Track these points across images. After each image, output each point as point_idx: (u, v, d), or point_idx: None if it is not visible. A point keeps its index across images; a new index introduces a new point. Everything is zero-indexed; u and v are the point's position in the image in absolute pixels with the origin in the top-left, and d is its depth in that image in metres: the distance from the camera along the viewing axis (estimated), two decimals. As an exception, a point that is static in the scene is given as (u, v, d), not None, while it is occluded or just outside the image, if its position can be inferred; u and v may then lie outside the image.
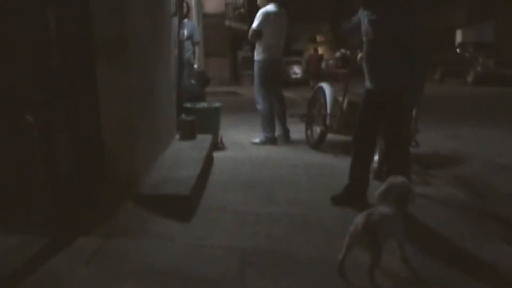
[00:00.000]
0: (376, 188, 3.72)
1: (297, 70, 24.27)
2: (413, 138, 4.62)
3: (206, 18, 18.63)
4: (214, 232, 3.30)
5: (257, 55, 6.45)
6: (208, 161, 4.96)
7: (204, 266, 2.77)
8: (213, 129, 6.03)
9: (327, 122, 5.81)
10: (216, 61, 21.48)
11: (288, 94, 9.47)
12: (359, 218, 2.61)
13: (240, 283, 2.60)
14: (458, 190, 4.34)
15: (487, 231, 3.40)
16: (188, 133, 5.45)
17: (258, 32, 6.30)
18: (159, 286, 2.54)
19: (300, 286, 2.58)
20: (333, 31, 35.16)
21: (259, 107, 6.51)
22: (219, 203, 3.90)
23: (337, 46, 23.71)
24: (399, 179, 2.89)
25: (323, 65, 21.90)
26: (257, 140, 6.54)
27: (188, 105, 6.18)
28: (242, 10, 25.44)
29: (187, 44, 8.06)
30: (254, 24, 6.32)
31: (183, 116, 5.75)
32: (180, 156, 4.66)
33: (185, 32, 7.68)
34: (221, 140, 6.26)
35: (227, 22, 23.99)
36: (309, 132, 6.47)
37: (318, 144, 6.08)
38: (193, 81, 7.54)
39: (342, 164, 4.86)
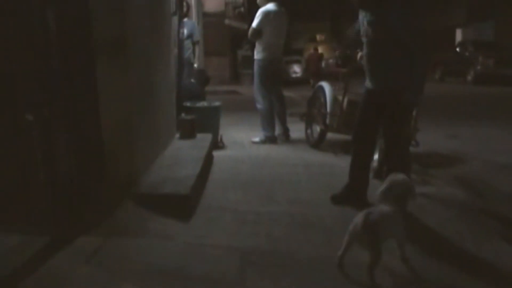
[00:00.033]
0: (376, 187, 3.72)
1: (297, 69, 24.27)
2: (413, 137, 4.62)
3: (206, 17, 18.61)
4: (214, 231, 3.30)
5: (257, 54, 6.45)
6: (208, 160, 4.96)
7: (204, 265, 2.77)
8: (213, 128, 6.03)
9: (327, 121, 5.81)
10: (216, 60, 21.49)
11: (288, 93, 9.48)
12: (359, 217, 2.61)
13: (240, 282, 2.61)
14: (458, 189, 4.34)
15: (487, 230, 3.41)
16: (188, 132, 5.45)
17: (258, 31, 6.30)
18: (159, 286, 2.54)
19: (300, 286, 2.58)
20: (333, 30, 35.18)
21: (259, 106, 6.51)
22: (219, 202, 3.90)
23: (337, 45, 23.74)
24: (400, 176, 2.90)
25: (323, 64, 21.91)
26: (257, 139, 6.54)
27: (188, 104, 6.18)
28: (242, 9, 25.42)
29: (187, 43, 8.06)
30: (254, 23, 6.32)
31: (183, 115, 5.75)
32: (180, 155, 4.67)
33: (185, 31, 7.67)
34: (221, 139, 6.26)
35: (227, 21, 23.99)
36: (309, 131, 6.47)
37: (318, 143, 6.08)
38: (192, 80, 7.53)
39: (342, 163, 4.86)
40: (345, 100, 5.65)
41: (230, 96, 15.00)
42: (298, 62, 24.66)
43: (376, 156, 4.40)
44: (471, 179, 4.71)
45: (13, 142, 3.07)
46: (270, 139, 6.47)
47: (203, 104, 6.46)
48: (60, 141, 3.11)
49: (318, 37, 37.25)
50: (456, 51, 20.36)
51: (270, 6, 6.33)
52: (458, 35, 26.45)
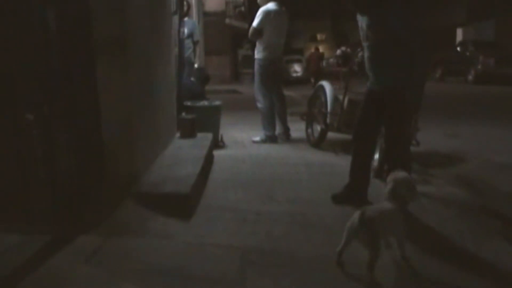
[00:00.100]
0: (376, 187, 3.73)
1: (297, 69, 24.30)
2: (414, 137, 4.62)
3: (206, 17, 18.65)
4: (214, 230, 3.30)
5: (258, 54, 6.45)
6: (209, 160, 4.96)
7: (204, 265, 2.77)
8: (214, 128, 6.03)
9: (328, 120, 5.81)
10: (217, 60, 21.52)
11: (288, 92, 9.47)
12: (356, 214, 2.62)
13: (240, 282, 2.60)
14: (458, 189, 4.34)
15: (487, 229, 3.41)
16: (188, 132, 5.45)
17: (259, 30, 6.30)
18: (159, 285, 2.54)
19: (300, 285, 2.58)
20: (334, 29, 35.18)
21: (259, 105, 6.51)
22: (219, 202, 3.90)
23: (338, 44, 23.73)
24: (402, 174, 2.91)
25: (324, 63, 21.92)
26: (257, 138, 6.54)
27: (189, 103, 6.18)
28: (243, 9, 25.43)
29: (188, 43, 8.06)
30: (255, 23, 6.32)
31: (183, 114, 5.75)
32: (180, 155, 4.67)
33: (186, 30, 7.67)
34: (221, 139, 6.26)
35: (227, 21, 24.00)
36: (309, 130, 6.47)
37: (318, 143, 6.08)
38: (192, 79, 7.53)
39: (343, 163, 4.85)
40: (346, 99, 5.65)
41: (231, 95, 15.01)
42: (298, 61, 24.69)
43: (376, 156, 4.40)
44: (472, 178, 4.71)
45: (13, 142, 3.07)
46: (271, 139, 6.47)
47: (203, 103, 6.46)
48: (60, 140, 3.11)
49: (318, 36, 37.30)
50: (457, 50, 20.38)
51: (270, 6, 6.33)
52: (459, 35, 26.44)
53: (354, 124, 4.03)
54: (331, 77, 7.56)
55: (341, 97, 5.75)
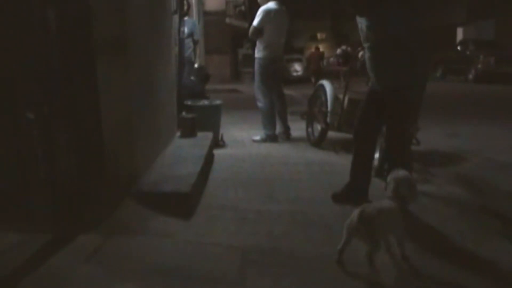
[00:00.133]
0: (377, 186, 3.73)
1: (297, 68, 24.30)
2: (414, 136, 4.61)
3: (206, 16, 18.64)
4: (215, 230, 3.30)
5: (258, 53, 6.45)
6: (209, 159, 4.96)
7: (205, 264, 2.77)
8: (214, 127, 6.03)
9: (328, 119, 5.81)
10: (217, 59, 21.53)
11: (288, 91, 9.47)
12: (355, 212, 2.65)
13: (240, 281, 2.60)
14: (459, 188, 4.34)
15: (487, 229, 3.41)
16: (189, 131, 5.46)
17: (259, 29, 6.30)
18: (159, 284, 2.54)
19: (301, 284, 2.58)
20: (334, 28, 35.17)
21: (259, 104, 6.51)
22: (220, 201, 3.90)
23: (338, 43, 23.72)
24: (402, 173, 2.91)
25: (324, 62, 21.93)
26: (257, 137, 6.54)
27: (189, 102, 6.18)
28: (243, 8, 25.43)
29: (188, 42, 8.06)
30: (255, 22, 6.32)
31: (183, 113, 5.75)
32: (181, 154, 4.67)
33: (186, 30, 7.67)
34: (221, 138, 6.26)
35: (227, 20, 24.00)
36: (310, 129, 6.46)
37: (319, 142, 6.08)
38: (192, 78, 7.53)
39: (343, 162, 4.86)
40: (346, 98, 5.65)
41: (231, 94, 15.01)
42: (299, 60, 24.68)
43: (377, 155, 4.40)
44: (472, 177, 4.71)
45: (13, 142, 3.07)
46: (271, 138, 6.47)
47: (203, 102, 6.46)
48: (60, 140, 3.11)
49: (319, 35, 37.29)
50: (457, 49, 20.38)
51: (271, 5, 6.33)
52: (459, 34, 26.44)
53: (354, 123, 4.03)
54: (332, 76, 7.56)
55: (341, 96, 5.74)
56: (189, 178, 3.82)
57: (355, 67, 5.45)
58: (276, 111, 6.56)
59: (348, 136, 5.28)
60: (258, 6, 6.47)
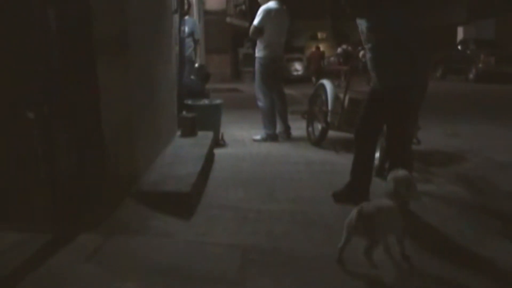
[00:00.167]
0: (377, 185, 3.73)
1: (298, 67, 24.25)
2: (415, 135, 4.61)
3: (207, 15, 18.63)
4: (215, 229, 3.30)
5: (258, 52, 6.45)
6: (209, 158, 4.96)
7: (205, 263, 2.77)
8: (214, 126, 6.03)
9: (329, 119, 5.81)
10: (217, 58, 21.51)
11: (289, 91, 9.47)
12: (354, 210, 2.65)
13: (240, 281, 2.60)
14: (459, 187, 4.34)
15: (488, 228, 3.41)
16: (189, 130, 5.45)
17: (259, 29, 6.30)
18: (160, 284, 2.54)
19: (301, 284, 2.58)
20: (334, 28, 35.15)
21: (260, 104, 6.51)
22: (220, 200, 3.90)
23: (338, 42, 23.71)
24: (402, 173, 2.91)
25: (324, 62, 21.91)
26: (258, 137, 6.54)
27: (189, 102, 6.18)
28: (243, 7, 25.42)
29: (188, 41, 8.05)
30: (255, 21, 6.32)
31: (184, 113, 5.75)
32: (181, 154, 4.67)
33: (186, 29, 7.67)
34: (222, 137, 6.26)
35: (228, 19, 23.98)
36: (310, 129, 6.46)
37: (319, 141, 6.08)
38: (192, 77, 7.52)
39: (343, 161, 4.86)
40: (347, 98, 5.65)
41: (231, 94, 15.00)
42: (299, 60, 24.64)
43: (377, 154, 4.39)
44: (472, 177, 4.70)
45: (13, 142, 3.07)
46: (271, 137, 6.47)
47: (204, 102, 6.46)
48: (60, 140, 3.11)
49: (319, 35, 37.23)
50: (458, 49, 20.36)
51: (271, 4, 6.33)
52: (460, 33, 26.42)
53: (355, 123, 4.03)
54: (332, 75, 7.55)
55: (342, 95, 5.74)
56: (190, 177, 3.82)
57: (356, 67, 5.44)
58: (277, 111, 6.55)
59: (349, 135, 5.28)
60: (259, 6, 6.47)
